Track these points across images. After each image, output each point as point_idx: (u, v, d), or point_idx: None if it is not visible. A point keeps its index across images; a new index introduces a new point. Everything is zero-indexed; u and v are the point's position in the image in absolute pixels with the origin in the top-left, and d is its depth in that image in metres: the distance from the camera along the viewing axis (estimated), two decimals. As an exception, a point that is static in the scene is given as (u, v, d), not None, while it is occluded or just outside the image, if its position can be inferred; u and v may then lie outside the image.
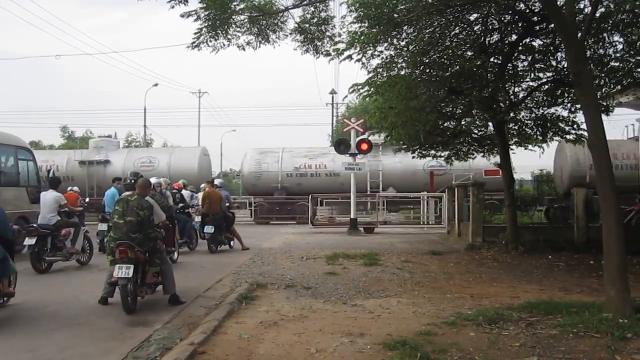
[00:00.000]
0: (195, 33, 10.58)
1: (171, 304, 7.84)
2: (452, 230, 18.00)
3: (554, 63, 12.74)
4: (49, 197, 11.33)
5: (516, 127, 15.07)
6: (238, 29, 10.90)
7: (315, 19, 11.36)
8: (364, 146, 20.31)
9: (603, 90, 12.16)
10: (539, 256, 12.48)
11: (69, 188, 14.39)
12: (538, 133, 15.06)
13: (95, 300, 7.95)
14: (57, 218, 11.31)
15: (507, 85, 13.10)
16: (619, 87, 12.25)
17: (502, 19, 12.07)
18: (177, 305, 7.83)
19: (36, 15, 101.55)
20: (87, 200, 17.87)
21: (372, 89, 13.13)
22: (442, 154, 17.36)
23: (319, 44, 11.88)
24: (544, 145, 16.21)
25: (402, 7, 10.41)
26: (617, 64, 11.86)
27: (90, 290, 8.68)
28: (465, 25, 11.90)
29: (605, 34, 11.17)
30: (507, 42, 12.55)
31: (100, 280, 8.60)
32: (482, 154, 17.23)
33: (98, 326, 6.78)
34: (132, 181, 8.59)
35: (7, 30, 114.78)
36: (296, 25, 11.41)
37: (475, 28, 12.17)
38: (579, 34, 7.74)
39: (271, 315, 7.01)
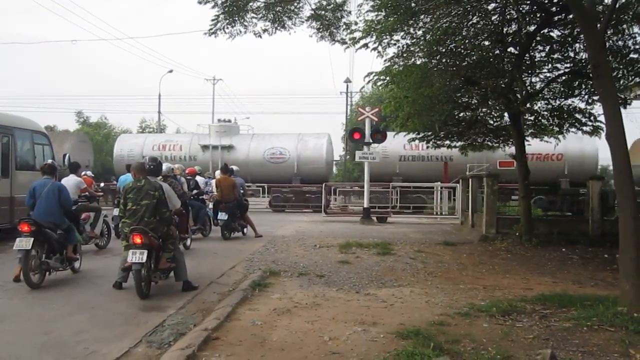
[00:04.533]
0: (212, 20, 10.63)
1: (185, 290, 7.88)
2: (465, 221, 17.92)
3: (572, 54, 12.66)
4: (70, 182, 11.36)
5: (532, 118, 14.96)
6: (254, 16, 10.93)
7: (331, 5, 11.34)
8: (378, 135, 20.22)
9: (621, 82, 12.03)
10: (552, 249, 12.40)
11: (83, 173, 14.43)
12: (554, 124, 14.95)
13: (109, 284, 8.01)
14: (78, 202, 11.37)
15: (524, 76, 12.99)
16: (638, 79, 12.11)
17: (521, 8, 11.95)
18: (191, 291, 7.87)
19: (53, 1, 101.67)
20: (102, 185, 17.87)
21: (387, 78, 13.08)
22: (457, 144, 17.29)
23: (334, 30, 11.90)
24: (560, 136, 16.15)
25: (419, -4, 10.36)
26: (636, 55, 11.74)
27: (105, 275, 8.77)
28: (483, 15, 11.79)
29: (625, 26, 11.05)
30: (524, 32, 12.44)
31: (114, 264, 8.68)
32: (497, 145, 17.12)
33: (112, 310, 6.84)
34: (152, 167, 8.60)
35: (24, 15, 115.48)
36: (312, 12, 11.40)
37: (493, 18, 12.07)
38: (599, 25, 7.64)
39: (284, 303, 7.04)
